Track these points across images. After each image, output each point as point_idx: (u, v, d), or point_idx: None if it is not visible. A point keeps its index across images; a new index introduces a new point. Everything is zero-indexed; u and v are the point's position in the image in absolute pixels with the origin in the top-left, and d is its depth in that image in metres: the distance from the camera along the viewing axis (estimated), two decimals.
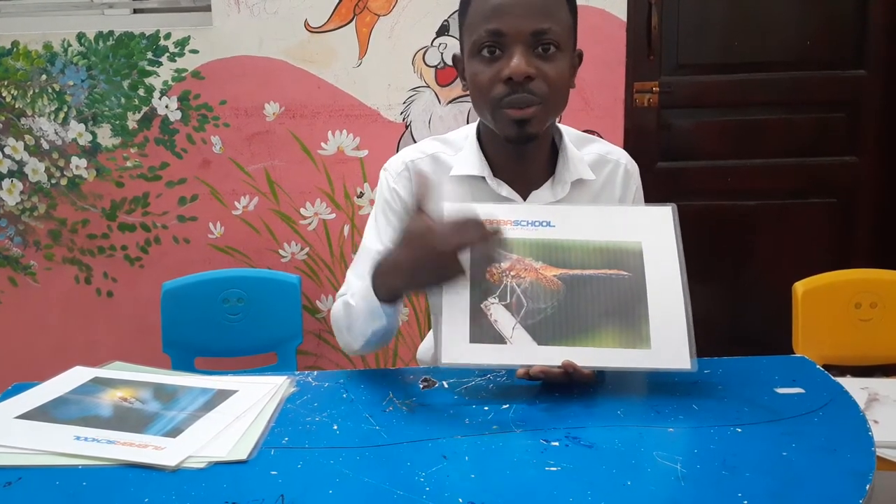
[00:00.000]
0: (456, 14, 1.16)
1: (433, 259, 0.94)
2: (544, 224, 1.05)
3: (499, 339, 0.97)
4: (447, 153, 1.21)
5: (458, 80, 1.18)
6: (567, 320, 0.98)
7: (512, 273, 1.01)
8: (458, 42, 1.17)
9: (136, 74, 2.07)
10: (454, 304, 0.99)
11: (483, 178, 1.16)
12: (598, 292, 1.00)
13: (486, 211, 1.06)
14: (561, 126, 1.20)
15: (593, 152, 1.22)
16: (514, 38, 1.04)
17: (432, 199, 0.98)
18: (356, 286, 1.12)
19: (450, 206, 1.00)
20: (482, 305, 0.99)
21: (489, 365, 1.00)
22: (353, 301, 1.10)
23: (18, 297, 2.20)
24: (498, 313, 0.99)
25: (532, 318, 0.98)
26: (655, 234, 1.03)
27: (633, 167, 1.24)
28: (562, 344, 0.97)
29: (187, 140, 2.10)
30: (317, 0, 2.02)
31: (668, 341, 0.97)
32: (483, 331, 0.98)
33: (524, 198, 1.16)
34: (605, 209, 1.13)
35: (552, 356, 0.96)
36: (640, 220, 1.06)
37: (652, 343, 0.97)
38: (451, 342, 0.98)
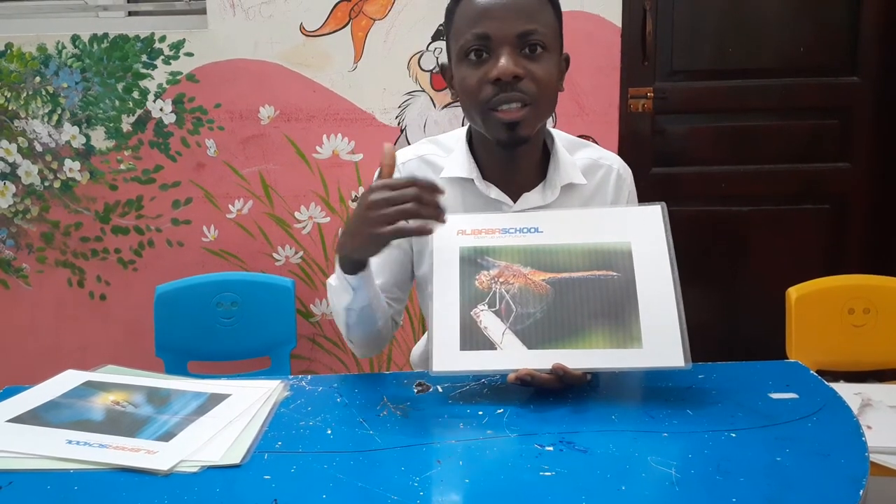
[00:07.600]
0: None
1: (364, 211, 0.96)
2: (532, 230, 1.05)
3: (489, 345, 0.97)
4: (439, 155, 1.21)
5: (448, 88, 1.18)
6: (557, 323, 0.98)
7: (501, 279, 1.01)
8: None
9: (130, 77, 2.06)
10: (444, 312, 1.00)
11: (472, 180, 1.16)
12: (587, 294, 0.99)
13: (472, 221, 1.06)
14: (554, 130, 1.20)
15: (586, 157, 1.21)
16: (501, 41, 1.05)
17: (392, 171, 1.00)
18: None
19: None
20: (472, 313, 1.00)
21: (480, 371, 1.00)
22: (331, 280, 1.14)
23: (10, 300, 2.19)
24: (487, 320, 0.99)
25: (521, 322, 0.98)
26: (645, 234, 1.03)
27: (627, 172, 1.24)
28: (552, 347, 0.97)
29: (181, 143, 2.10)
30: (312, 4, 2.02)
31: (660, 339, 0.96)
32: (473, 338, 0.97)
33: (514, 200, 1.16)
34: (593, 211, 1.13)
35: (543, 360, 0.96)
36: (629, 220, 1.05)
37: (644, 342, 0.96)
38: (442, 350, 0.98)
